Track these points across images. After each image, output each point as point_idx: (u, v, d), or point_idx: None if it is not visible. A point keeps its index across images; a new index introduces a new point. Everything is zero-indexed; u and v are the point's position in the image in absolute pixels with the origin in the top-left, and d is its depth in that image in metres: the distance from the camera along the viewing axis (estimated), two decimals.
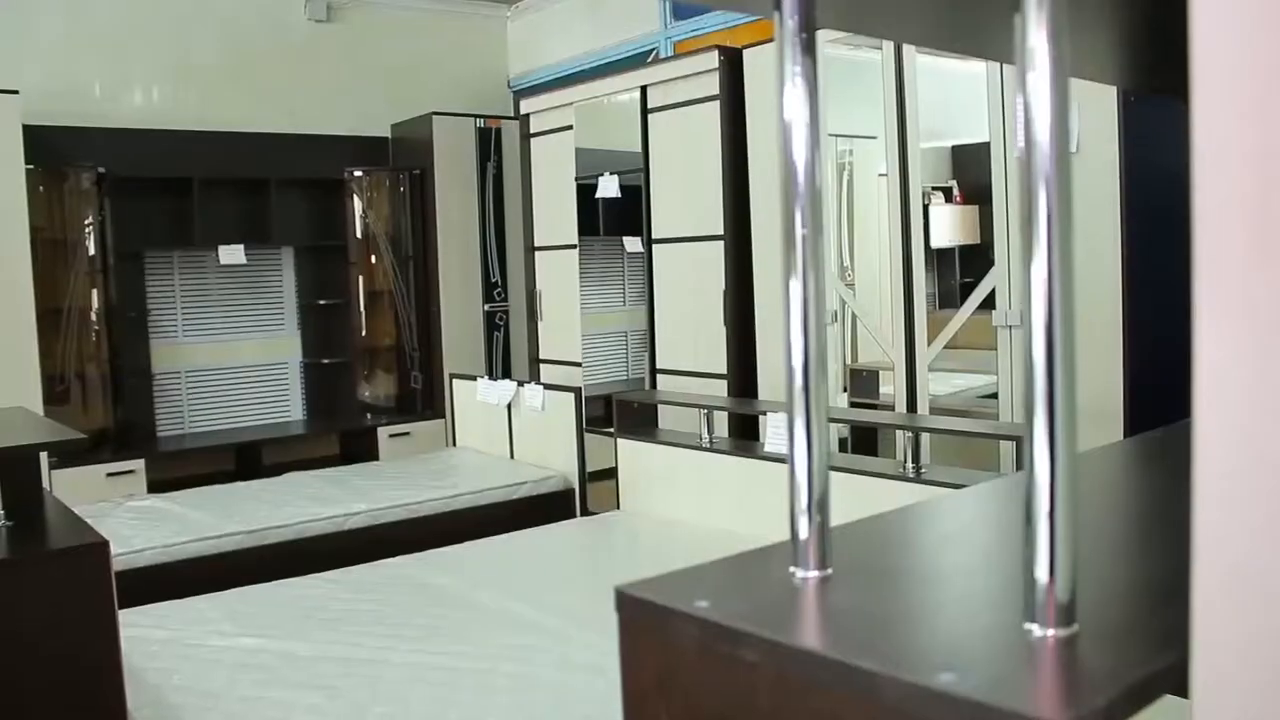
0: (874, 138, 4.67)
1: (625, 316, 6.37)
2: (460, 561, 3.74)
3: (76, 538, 1.85)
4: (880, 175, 4.60)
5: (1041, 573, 0.61)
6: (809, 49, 0.73)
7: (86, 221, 5.58)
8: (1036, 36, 0.60)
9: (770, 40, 3.78)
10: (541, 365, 6.14)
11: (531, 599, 3.25)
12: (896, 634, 0.64)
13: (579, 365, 5.85)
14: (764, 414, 3.88)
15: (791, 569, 0.75)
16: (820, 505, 0.75)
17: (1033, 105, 0.61)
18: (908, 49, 4.12)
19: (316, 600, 3.32)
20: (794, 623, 0.66)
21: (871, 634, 0.64)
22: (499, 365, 6.66)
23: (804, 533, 0.75)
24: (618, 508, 4.55)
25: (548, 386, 4.95)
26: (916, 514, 0.96)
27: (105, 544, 1.83)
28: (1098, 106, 3.53)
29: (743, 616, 0.66)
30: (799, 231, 0.74)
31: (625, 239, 5.95)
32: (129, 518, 4.26)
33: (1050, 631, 0.61)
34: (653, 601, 0.69)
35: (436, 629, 3.02)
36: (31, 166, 5.23)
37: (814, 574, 0.74)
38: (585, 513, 4.75)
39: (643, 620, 0.70)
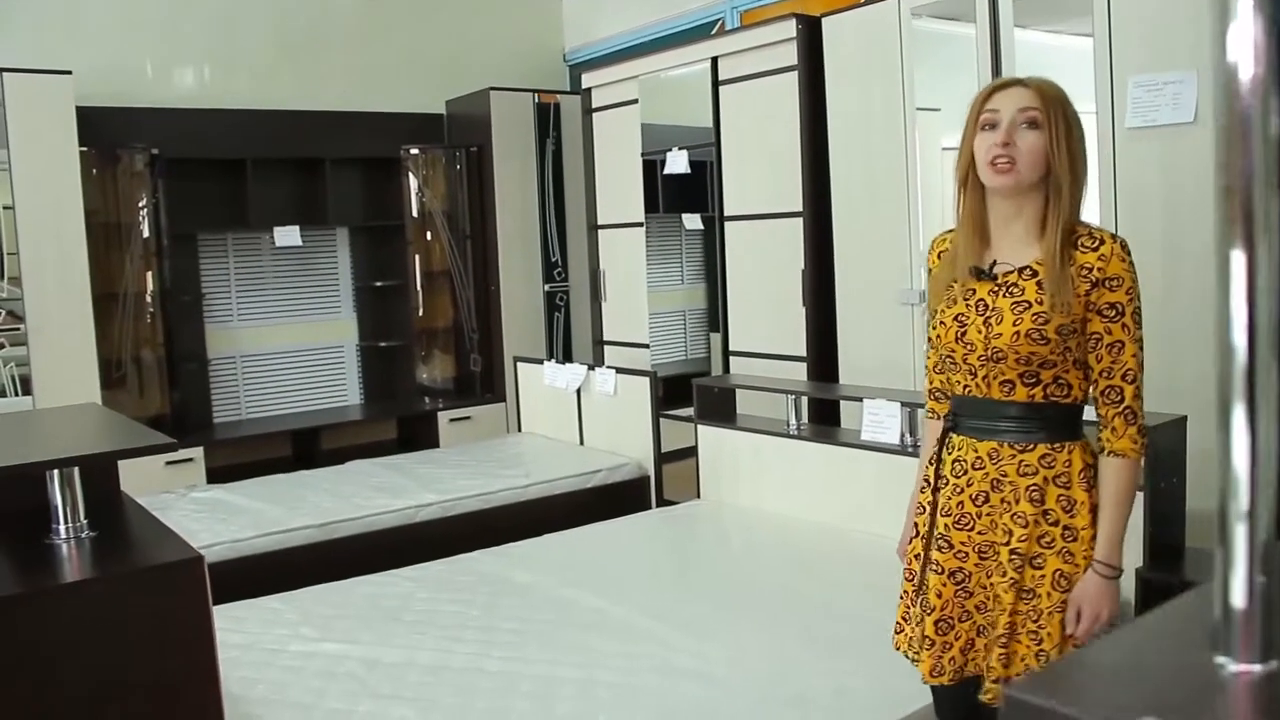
0: (937, 109, 4.44)
1: (684, 296, 6.18)
2: (542, 556, 3.57)
3: (169, 551, 1.68)
4: (944, 149, 4.36)
5: None
6: None
7: (140, 204, 5.44)
8: None
9: (851, 7, 3.49)
10: (605, 347, 5.96)
11: (623, 599, 3.07)
12: None
13: (646, 347, 5.65)
14: (861, 400, 3.66)
15: (1219, 660, 0.55)
16: (1266, 558, 0.56)
17: None
18: (1005, 20, 3.87)
19: (396, 600, 3.16)
20: None
21: None
22: (560, 347, 6.48)
23: (1241, 601, 0.55)
24: (697, 496, 4.36)
25: (620, 370, 4.76)
26: None
27: (200, 559, 1.65)
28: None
29: None
30: (1257, 194, 0.54)
31: (685, 216, 5.74)
32: (193, 510, 4.13)
33: None
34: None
35: (526, 632, 2.84)
36: (84, 149, 5.09)
37: (1257, 669, 0.55)
38: (661, 502, 4.56)
39: None
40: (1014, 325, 1.87)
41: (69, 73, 4.98)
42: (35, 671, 1.54)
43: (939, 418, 2.12)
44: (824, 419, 4.45)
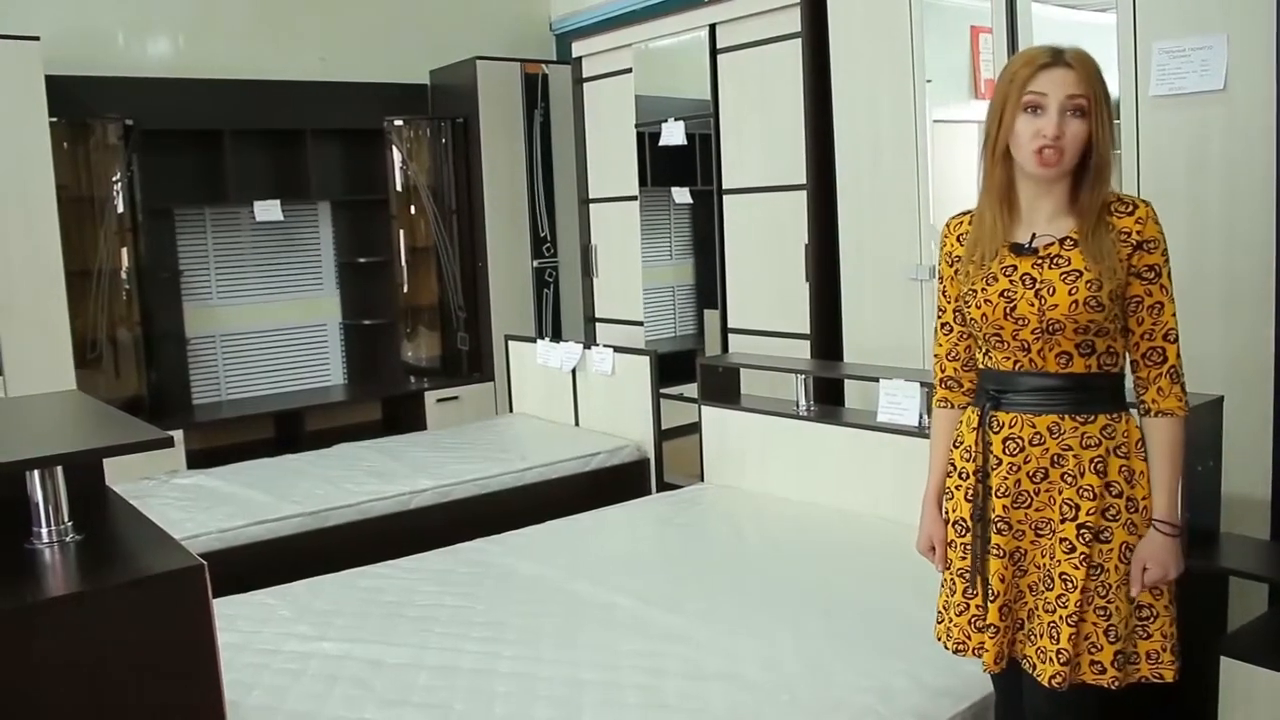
0: (929, 80, 4.29)
1: (673, 271, 6.03)
2: (546, 545, 3.41)
3: (166, 558, 1.51)
4: (935, 121, 4.22)
5: None
6: None
7: (114, 177, 5.22)
8: None
9: None
10: (597, 324, 5.79)
11: (638, 592, 2.91)
12: None
13: (640, 325, 5.49)
14: (876, 380, 3.52)
15: None
16: None
17: None
18: None
19: (396, 594, 2.99)
20: None
21: None
22: (549, 324, 6.30)
23: None
24: (697, 477, 4.22)
25: (618, 349, 4.60)
26: None
27: (201, 568, 1.48)
28: (1251, 37, 3.12)
29: None
30: None
31: (674, 190, 5.58)
32: (175, 498, 3.94)
33: None
34: None
35: (540, 629, 2.69)
36: (54, 119, 4.86)
37: None
38: (662, 485, 4.41)
39: None
40: (1070, 295, 1.86)
41: (36, 38, 4.74)
42: (10, 697, 1.38)
43: (953, 407, 2.11)
44: (827, 398, 4.30)
